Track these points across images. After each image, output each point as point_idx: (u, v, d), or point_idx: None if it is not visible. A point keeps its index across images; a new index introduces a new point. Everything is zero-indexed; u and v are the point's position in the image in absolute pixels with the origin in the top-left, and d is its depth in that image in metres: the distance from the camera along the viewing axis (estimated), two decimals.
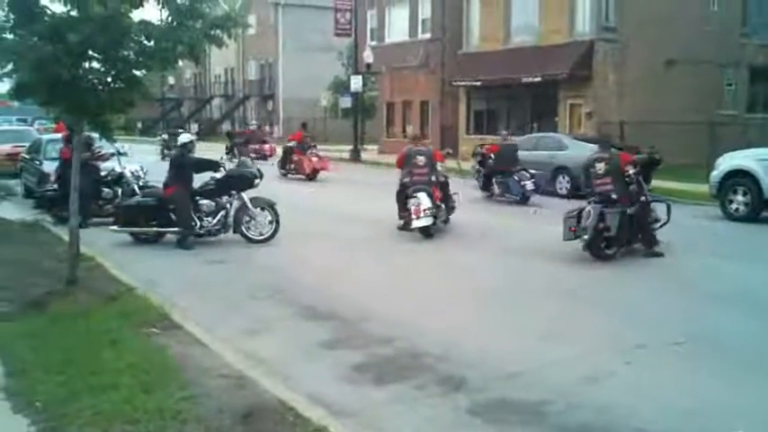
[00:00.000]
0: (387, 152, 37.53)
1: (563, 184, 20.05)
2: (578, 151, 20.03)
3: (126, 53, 7.92)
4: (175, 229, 12.07)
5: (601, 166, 11.19)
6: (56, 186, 14.05)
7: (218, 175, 12.44)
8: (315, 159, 23.94)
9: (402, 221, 13.31)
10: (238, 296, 8.86)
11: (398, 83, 37.53)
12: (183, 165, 12.24)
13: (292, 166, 24.17)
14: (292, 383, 5.78)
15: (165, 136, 36.01)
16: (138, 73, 8.27)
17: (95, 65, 7.98)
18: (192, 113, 68.30)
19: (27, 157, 19.06)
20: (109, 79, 8.07)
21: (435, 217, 12.93)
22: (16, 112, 56.43)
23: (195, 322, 7.24)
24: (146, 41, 7.91)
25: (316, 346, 6.92)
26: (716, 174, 16.14)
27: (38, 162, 17.50)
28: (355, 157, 34.23)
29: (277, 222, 12.45)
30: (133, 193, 14.07)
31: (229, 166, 13.44)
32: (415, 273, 10.48)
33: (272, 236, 12.44)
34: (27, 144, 20.77)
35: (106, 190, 14.61)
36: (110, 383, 5.34)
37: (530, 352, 6.73)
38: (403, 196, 13.38)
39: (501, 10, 30.86)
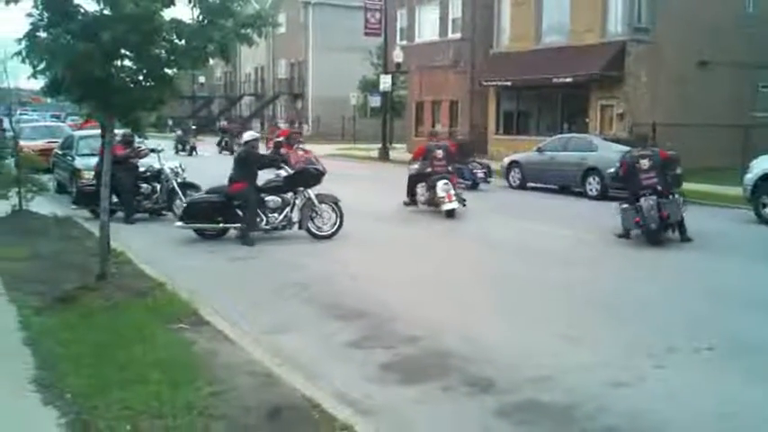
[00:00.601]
0: None
1: (593, 185, 19.88)
2: (609, 153, 19.91)
3: (157, 52, 7.97)
4: (240, 225, 12.29)
5: (645, 162, 12.63)
6: (95, 182, 14.22)
7: (283, 172, 12.78)
8: (300, 153, 24.04)
9: (408, 199, 16.81)
10: (265, 293, 8.89)
11: (428, 82, 37.45)
12: (248, 161, 12.57)
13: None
14: (319, 381, 5.78)
15: (180, 132, 37.97)
16: (169, 71, 8.31)
17: (127, 63, 8.05)
18: (221, 111, 68.75)
19: (60, 152, 19.31)
20: (140, 77, 8.14)
21: (461, 201, 15.51)
22: (51, 108, 57.27)
23: (223, 318, 7.28)
24: (177, 40, 7.95)
25: (342, 345, 6.92)
26: (750, 177, 15.89)
27: (70, 158, 17.73)
28: (383, 155, 34.24)
29: (341, 218, 12.72)
30: (173, 190, 14.47)
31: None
32: (440, 271, 10.44)
33: (336, 231, 12.67)
34: (60, 140, 21.06)
35: (144, 186, 14.81)
36: (138, 378, 5.37)
37: (558, 354, 6.66)
38: (414, 181, 16.65)
39: (532, 9, 30.67)
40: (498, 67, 32.29)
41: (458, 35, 35.32)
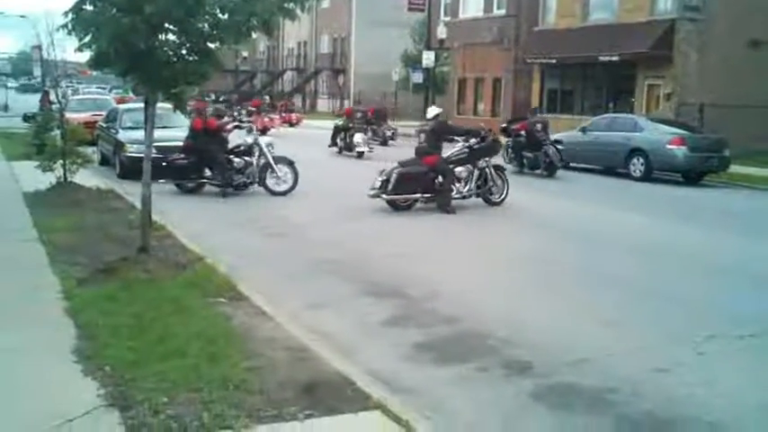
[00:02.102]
0: None
1: (637, 165, 19.56)
2: (654, 134, 19.57)
3: (200, 25, 7.97)
4: (431, 195, 13.23)
5: (539, 126, 19.01)
6: (184, 156, 14.72)
7: (469, 143, 13.84)
8: (266, 120, 32.89)
9: (330, 142, 25.41)
10: (302, 270, 8.92)
11: (471, 59, 37.11)
12: (439, 134, 13.77)
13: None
14: (354, 359, 5.79)
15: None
16: (211, 45, 8.33)
17: (171, 37, 8.06)
18: (264, 86, 69.04)
19: (104, 125, 19.54)
20: (183, 51, 8.14)
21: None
22: (97, 80, 58.06)
23: (261, 294, 7.31)
24: (220, 14, 7.94)
25: (378, 323, 6.92)
26: None
27: (114, 131, 17.92)
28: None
29: (507, 188, 14.24)
30: (266, 165, 14.81)
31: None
32: (480, 252, 10.38)
33: (504, 199, 14.05)
34: (104, 113, 21.30)
35: (237, 160, 14.97)
36: (176, 351, 5.43)
37: (596, 338, 6.59)
38: (336, 132, 25.26)
39: None
40: (543, 45, 31.84)
41: (502, 11, 34.88)
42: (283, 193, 14.72)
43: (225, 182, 14.57)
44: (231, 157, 14.82)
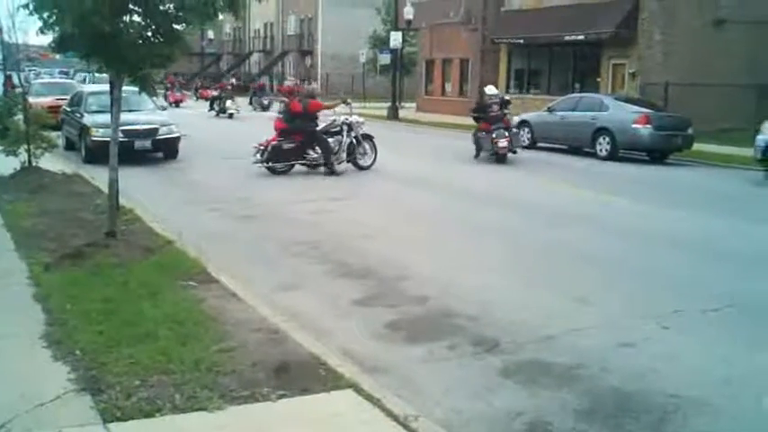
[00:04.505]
0: (425, 110, 37.32)
1: (603, 145, 19.76)
2: (620, 113, 19.75)
3: (166, 7, 7.90)
4: None
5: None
6: (281, 138, 15.43)
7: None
8: (178, 95, 41.91)
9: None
10: (273, 251, 8.94)
11: (438, 40, 37.10)
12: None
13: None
14: (325, 339, 5.83)
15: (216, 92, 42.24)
16: (177, 27, 8.25)
17: (136, 18, 7.98)
18: (230, 68, 68.34)
19: (68, 109, 19.27)
20: (149, 33, 8.06)
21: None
22: (59, 64, 57.00)
23: (231, 276, 7.31)
24: None
25: (349, 303, 6.97)
26: (761, 138, 15.78)
27: (78, 115, 17.69)
28: (393, 115, 34.00)
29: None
30: (354, 142, 15.92)
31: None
32: (447, 231, 10.46)
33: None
34: (68, 97, 20.99)
35: (331, 140, 15.63)
36: (147, 334, 5.43)
37: (563, 314, 6.69)
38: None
39: None
40: (510, 25, 31.92)
41: None
42: (368, 168, 16.00)
43: (330, 161, 15.36)
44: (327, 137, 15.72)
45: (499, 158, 18.01)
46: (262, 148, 15.22)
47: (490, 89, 18.95)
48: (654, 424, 4.65)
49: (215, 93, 37.36)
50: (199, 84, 53.37)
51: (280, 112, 18.06)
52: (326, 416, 4.48)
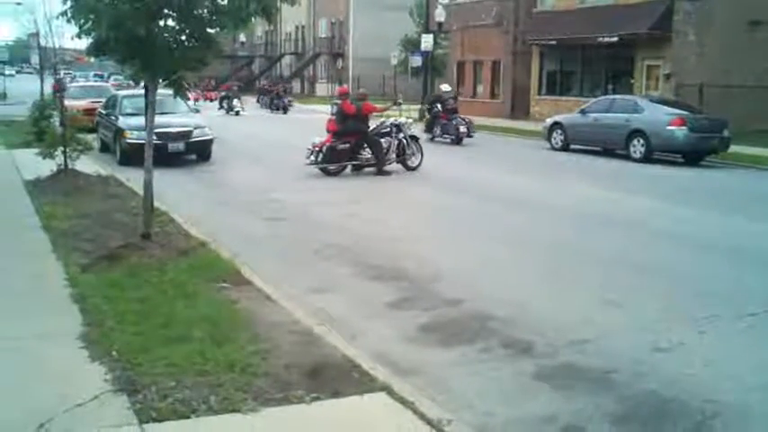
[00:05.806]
0: None
1: (637, 147, 19.54)
2: (655, 114, 19.52)
3: (200, 11, 7.97)
4: None
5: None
6: (334, 140, 15.56)
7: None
8: (194, 94, 38.51)
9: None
10: (305, 254, 8.96)
11: (470, 41, 36.97)
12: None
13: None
14: (359, 342, 5.84)
15: (224, 93, 43.21)
16: (211, 31, 8.32)
17: (170, 23, 8.06)
18: (262, 71, 68.75)
19: (103, 112, 19.51)
20: (183, 37, 8.14)
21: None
22: (94, 67, 57.75)
23: (264, 278, 7.35)
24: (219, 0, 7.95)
25: (382, 306, 6.97)
26: None
27: (114, 118, 17.90)
28: (424, 117, 33.86)
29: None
30: (403, 143, 16.27)
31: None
32: (479, 235, 10.42)
33: None
34: (104, 99, 21.27)
35: (383, 140, 15.95)
36: (182, 335, 5.48)
37: (598, 318, 6.63)
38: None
39: None
40: (542, 27, 31.74)
41: None
42: (415, 168, 16.31)
43: (382, 162, 15.71)
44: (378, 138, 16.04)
45: (458, 141, 22.64)
46: (317, 149, 15.33)
47: (446, 87, 24.41)
48: (692, 430, 4.58)
49: (221, 93, 40.69)
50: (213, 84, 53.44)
51: (332, 114, 18.22)
52: (360, 419, 4.48)
